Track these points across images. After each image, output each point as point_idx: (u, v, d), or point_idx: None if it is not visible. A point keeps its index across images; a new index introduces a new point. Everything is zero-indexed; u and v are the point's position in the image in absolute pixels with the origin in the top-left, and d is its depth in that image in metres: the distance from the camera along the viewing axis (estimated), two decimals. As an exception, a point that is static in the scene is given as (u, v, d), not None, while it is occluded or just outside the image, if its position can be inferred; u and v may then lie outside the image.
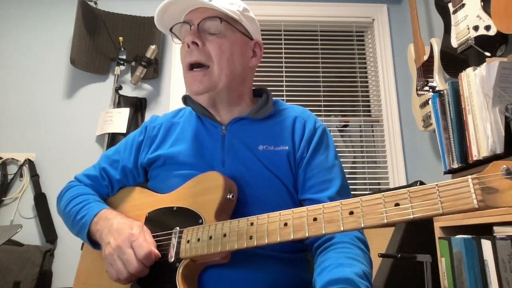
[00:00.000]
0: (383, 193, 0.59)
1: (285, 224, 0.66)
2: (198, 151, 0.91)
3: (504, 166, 0.50)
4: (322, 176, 0.88)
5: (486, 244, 1.09)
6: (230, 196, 0.79)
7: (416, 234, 1.41)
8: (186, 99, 0.99)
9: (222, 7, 0.87)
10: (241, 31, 0.92)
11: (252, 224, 0.69)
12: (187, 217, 0.80)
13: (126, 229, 0.79)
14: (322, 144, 0.92)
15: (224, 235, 0.71)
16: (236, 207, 0.81)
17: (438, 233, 1.33)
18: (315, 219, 0.63)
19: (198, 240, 0.74)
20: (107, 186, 0.99)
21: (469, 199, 0.52)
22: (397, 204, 0.57)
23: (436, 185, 0.55)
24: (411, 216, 0.56)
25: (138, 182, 0.99)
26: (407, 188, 0.57)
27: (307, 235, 0.63)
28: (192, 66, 0.88)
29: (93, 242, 0.88)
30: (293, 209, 0.67)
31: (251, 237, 0.68)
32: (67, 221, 0.95)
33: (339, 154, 0.95)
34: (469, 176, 0.52)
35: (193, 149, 0.91)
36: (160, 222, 0.83)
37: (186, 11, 0.90)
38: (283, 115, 0.96)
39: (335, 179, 0.88)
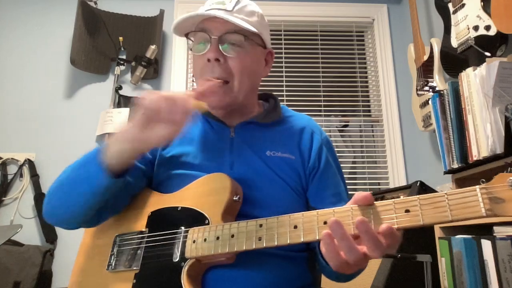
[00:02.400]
0: (393, 200, 0.61)
1: (295, 227, 0.66)
2: (206, 153, 0.90)
3: (510, 178, 0.54)
4: (334, 188, 0.91)
5: (486, 244, 1.09)
6: (236, 198, 0.79)
7: (416, 234, 1.41)
8: None
9: (243, 19, 0.86)
10: (258, 43, 0.92)
11: (261, 226, 0.70)
12: (192, 217, 0.79)
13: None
14: (331, 156, 0.95)
15: (232, 236, 0.71)
16: (244, 209, 0.81)
17: (438, 233, 1.33)
18: (325, 223, 0.64)
19: (205, 240, 0.74)
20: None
21: (477, 207, 0.55)
22: (407, 211, 0.59)
23: (446, 193, 0.57)
24: (421, 222, 0.58)
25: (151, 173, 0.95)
26: (417, 196, 0.59)
27: (317, 237, 0.64)
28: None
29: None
30: (303, 212, 0.68)
31: (260, 239, 0.68)
32: (63, 193, 0.80)
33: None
34: (477, 186, 0.55)
35: (201, 150, 0.90)
36: (164, 221, 0.83)
37: (202, 18, 0.88)
38: (289, 122, 0.97)
39: (342, 189, 0.92)
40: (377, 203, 0.62)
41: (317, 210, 0.66)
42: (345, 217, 0.63)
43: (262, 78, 1.01)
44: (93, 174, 0.75)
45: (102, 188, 0.76)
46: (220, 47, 0.85)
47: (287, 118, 0.98)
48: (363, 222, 0.58)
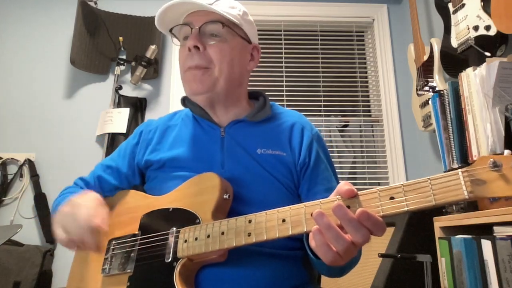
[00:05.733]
0: (378, 188, 0.61)
1: (283, 220, 0.67)
2: (197, 153, 0.91)
3: (491, 159, 0.54)
4: (326, 183, 0.91)
5: (486, 244, 1.09)
6: (226, 196, 0.80)
7: (416, 234, 1.41)
8: (185, 101, 0.99)
9: (223, 11, 0.87)
10: (241, 36, 0.94)
11: (250, 221, 0.70)
12: (183, 218, 0.80)
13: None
14: (322, 151, 0.95)
15: (222, 233, 0.72)
16: (236, 207, 0.82)
17: (438, 233, 1.33)
18: (312, 215, 0.64)
19: (196, 239, 0.74)
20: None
21: (459, 190, 0.55)
22: (392, 198, 0.59)
23: (429, 178, 0.58)
24: (406, 208, 0.58)
25: (133, 184, 0.99)
26: (401, 183, 0.60)
27: (305, 229, 0.64)
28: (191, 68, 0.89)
29: None
30: (290, 205, 0.68)
31: (249, 234, 0.69)
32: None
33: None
34: (459, 170, 0.56)
35: (192, 151, 0.91)
36: (156, 223, 0.83)
37: (187, 13, 0.91)
38: (280, 119, 0.97)
39: (334, 184, 0.91)
40: (362, 192, 0.62)
41: (304, 203, 0.67)
42: (331, 208, 0.63)
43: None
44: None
45: None
46: (199, 36, 0.88)
47: (277, 115, 0.98)
48: (339, 206, 0.59)
